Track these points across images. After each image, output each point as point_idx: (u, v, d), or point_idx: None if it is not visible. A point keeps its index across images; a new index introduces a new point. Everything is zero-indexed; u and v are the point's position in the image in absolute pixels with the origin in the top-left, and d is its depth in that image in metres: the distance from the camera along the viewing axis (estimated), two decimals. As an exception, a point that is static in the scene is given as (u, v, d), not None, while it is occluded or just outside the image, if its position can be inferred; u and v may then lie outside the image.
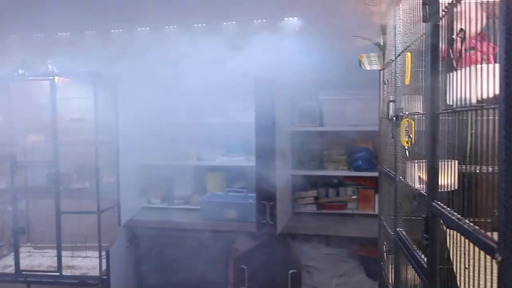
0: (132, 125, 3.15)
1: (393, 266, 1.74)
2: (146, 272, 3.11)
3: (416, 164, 1.35)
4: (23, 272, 3.17)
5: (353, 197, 3.20)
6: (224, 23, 3.21)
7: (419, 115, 1.39)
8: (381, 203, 2.19)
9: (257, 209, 2.77)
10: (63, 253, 3.18)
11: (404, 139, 1.47)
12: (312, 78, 3.08)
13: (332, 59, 2.92)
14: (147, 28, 3.31)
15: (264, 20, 3.21)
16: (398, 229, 1.62)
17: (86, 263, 3.32)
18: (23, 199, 3.43)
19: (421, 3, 1.20)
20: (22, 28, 3.34)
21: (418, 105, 1.42)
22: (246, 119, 3.13)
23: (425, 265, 1.21)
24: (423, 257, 1.26)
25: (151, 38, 3.28)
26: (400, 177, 1.59)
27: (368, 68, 2.22)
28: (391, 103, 1.76)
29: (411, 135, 1.42)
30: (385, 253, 1.96)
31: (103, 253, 3.07)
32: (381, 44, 2.18)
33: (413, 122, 1.42)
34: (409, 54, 1.47)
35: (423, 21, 1.20)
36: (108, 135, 3.17)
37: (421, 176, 1.29)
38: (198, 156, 3.33)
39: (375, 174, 2.67)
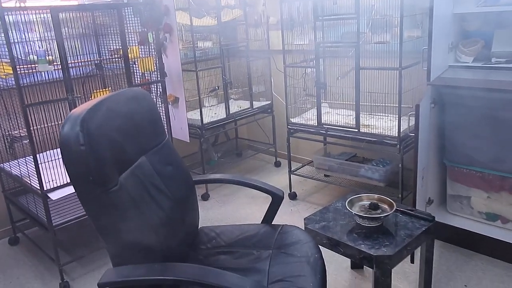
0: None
1: None
2: (452, 138, 2.77)
3: None
4: (324, 125, 3.37)
5: None
6: None
7: None
8: None
9: None
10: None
11: None
12: None
13: None
14: None
15: None
16: None
17: (382, 123, 3.24)
18: (323, 57, 3.50)
19: None
20: None
21: None
22: None
23: None
24: None
25: None
26: None
27: None
28: None
29: None
30: None
31: (406, 111, 2.87)
32: None
33: None
34: None
35: None
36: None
37: None
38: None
39: None
